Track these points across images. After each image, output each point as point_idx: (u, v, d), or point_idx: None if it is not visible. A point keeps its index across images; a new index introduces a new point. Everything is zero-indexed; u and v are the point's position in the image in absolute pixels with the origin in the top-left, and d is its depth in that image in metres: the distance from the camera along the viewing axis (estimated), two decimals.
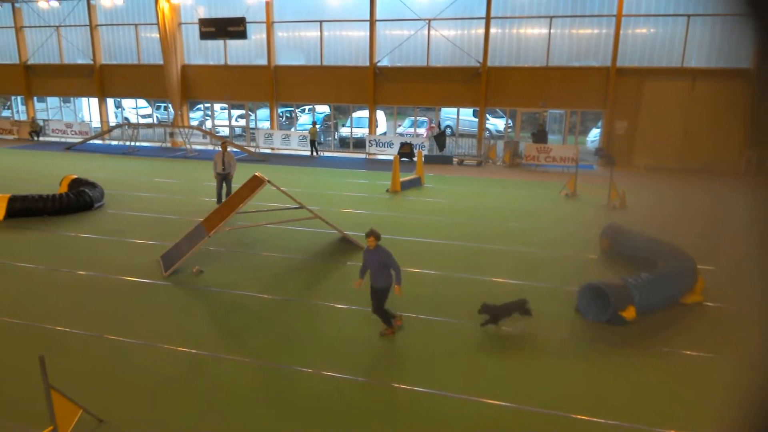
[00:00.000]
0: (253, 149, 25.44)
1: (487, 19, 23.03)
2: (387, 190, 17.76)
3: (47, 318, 8.51)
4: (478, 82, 23.64)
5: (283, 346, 7.77)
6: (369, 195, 17.30)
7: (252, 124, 28.05)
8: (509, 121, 25.71)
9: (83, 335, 8.00)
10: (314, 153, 24.94)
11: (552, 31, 22.91)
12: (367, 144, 25.23)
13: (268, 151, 26.12)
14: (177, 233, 12.45)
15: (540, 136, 23.47)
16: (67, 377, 6.58)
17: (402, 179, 17.96)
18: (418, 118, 26.78)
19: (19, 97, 31.75)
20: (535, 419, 6.19)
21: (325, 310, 8.97)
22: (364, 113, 26.37)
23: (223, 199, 14.21)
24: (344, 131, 27.53)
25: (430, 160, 22.97)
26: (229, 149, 14.65)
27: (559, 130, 25.43)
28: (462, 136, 25.73)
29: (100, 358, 7.42)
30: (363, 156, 25.36)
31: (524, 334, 8.18)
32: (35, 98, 31.40)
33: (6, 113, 32.95)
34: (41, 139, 29.40)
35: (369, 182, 19.37)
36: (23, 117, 31.44)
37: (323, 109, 28.79)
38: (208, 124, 29.30)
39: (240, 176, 14.46)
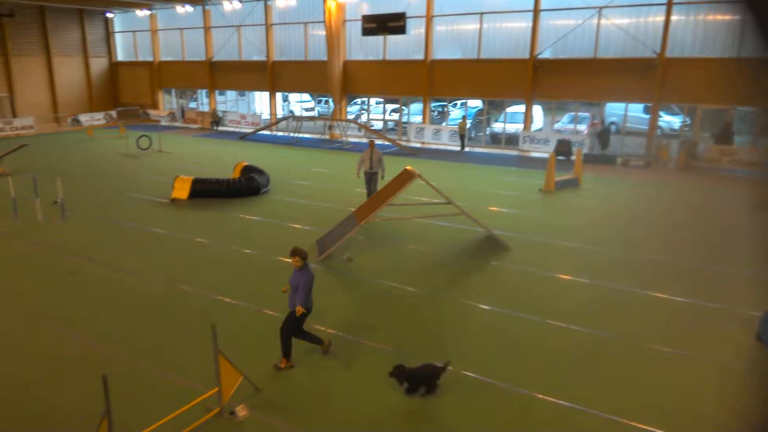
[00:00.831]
0: (403, 143, 25.90)
1: (669, 4, 20.71)
2: (539, 190, 16.90)
3: (216, 289, 9.41)
4: (651, 75, 21.41)
5: (425, 340, 7.71)
6: (519, 194, 16.61)
7: (405, 118, 28.57)
8: (686, 119, 22.96)
9: (246, 308, 8.70)
10: (462, 148, 24.71)
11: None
12: (521, 140, 24.28)
13: (419, 145, 26.40)
14: (331, 220, 13.07)
15: (724, 137, 20.63)
16: (231, 345, 7.17)
17: (557, 179, 16.95)
18: (578, 113, 25.12)
19: (203, 91, 35.90)
20: None
21: (468, 309, 8.74)
22: (520, 108, 25.40)
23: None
24: (497, 126, 26.80)
25: (590, 159, 21.42)
26: (376, 147, 14.67)
27: (749, 130, 22.08)
28: (629, 134, 23.57)
29: (259, 331, 8.00)
30: (515, 153, 24.48)
31: (697, 358, 7.16)
32: (216, 91, 35.26)
33: (192, 105, 37.49)
34: (220, 128, 32.97)
35: (520, 180, 18.61)
36: (206, 108, 35.52)
37: (476, 103, 28.31)
38: (364, 117, 30.46)
39: (391, 169, 14.74)
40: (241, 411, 6.05)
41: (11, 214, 13.45)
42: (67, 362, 7.15)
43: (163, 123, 35.15)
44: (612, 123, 24.80)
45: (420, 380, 6.34)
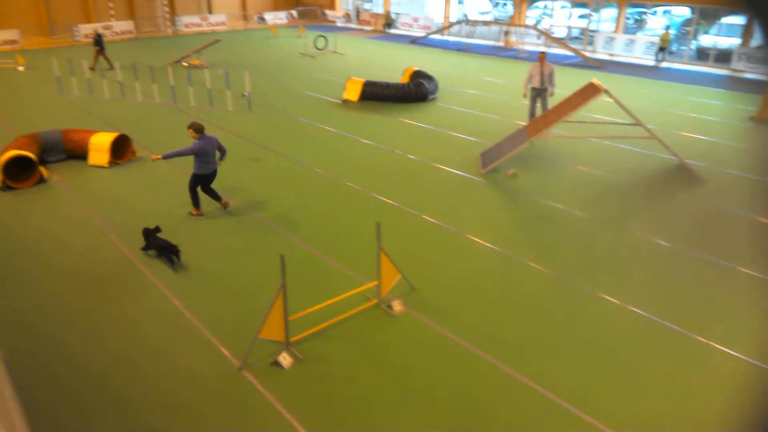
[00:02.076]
0: (588, 54, 23.38)
1: None
2: (751, 118, 14.28)
3: (379, 190, 9.63)
4: None
5: (588, 269, 7.16)
6: (724, 120, 14.21)
7: (593, 26, 25.58)
8: None
9: (407, 212, 8.82)
10: (658, 62, 21.62)
11: None
12: (735, 57, 20.48)
13: (606, 57, 23.65)
14: (497, 133, 12.47)
15: None
16: (392, 244, 7.35)
17: None
18: None
19: None
20: None
21: (643, 243, 7.89)
22: (738, 19, 21.19)
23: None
24: (705, 40, 22.82)
25: None
26: (548, 60, 12.53)
27: None
28: None
29: (419, 234, 8.08)
30: (725, 72, 20.81)
31: None
32: None
33: (367, 6, 37.42)
34: (392, 31, 32.70)
35: (726, 105, 15.89)
36: (380, 10, 35.25)
37: (682, 11, 24.25)
38: (545, 23, 27.92)
39: (569, 83, 13.41)
40: (397, 306, 6.25)
41: (207, 102, 14.94)
42: (247, 239, 7.94)
43: (339, 24, 35.82)
44: None
45: (158, 248, 7.21)
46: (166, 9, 32.43)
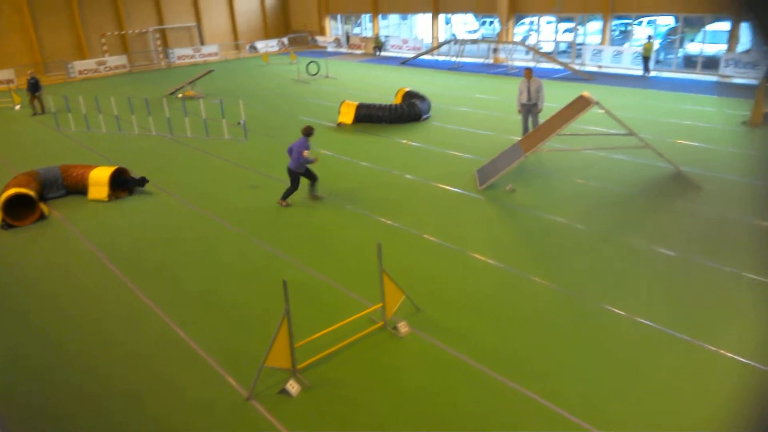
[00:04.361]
0: (577, 67, 23.67)
1: None
2: (743, 123, 14.41)
3: (381, 211, 9.66)
4: None
5: (592, 281, 7.17)
6: (716, 126, 14.34)
7: (579, 39, 25.95)
8: None
9: (407, 232, 8.83)
10: (646, 72, 21.89)
11: None
12: (722, 64, 20.74)
13: (594, 69, 23.95)
14: (492, 149, 12.56)
15: None
16: (395, 265, 7.34)
17: (767, 110, 14.26)
18: None
19: (367, 15, 36.00)
20: None
21: (645, 252, 7.90)
22: (723, 26, 21.53)
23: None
24: (692, 48, 23.14)
25: None
26: (535, 76, 12.62)
27: None
28: None
29: (421, 254, 8.09)
30: (713, 78, 21.07)
31: None
32: (380, 16, 35.15)
33: (356, 30, 37.97)
34: (382, 53, 33.11)
35: (717, 111, 16.04)
36: (369, 34, 35.75)
37: (667, 21, 24.62)
38: (532, 39, 28.31)
39: (562, 96, 13.56)
40: (403, 327, 6.23)
41: (203, 132, 15.05)
42: (249, 264, 7.94)
43: (330, 49, 36.28)
44: None
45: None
46: (159, 42, 32.84)
